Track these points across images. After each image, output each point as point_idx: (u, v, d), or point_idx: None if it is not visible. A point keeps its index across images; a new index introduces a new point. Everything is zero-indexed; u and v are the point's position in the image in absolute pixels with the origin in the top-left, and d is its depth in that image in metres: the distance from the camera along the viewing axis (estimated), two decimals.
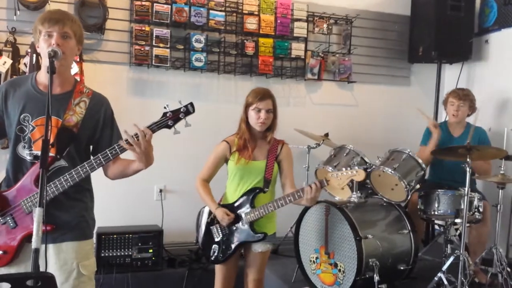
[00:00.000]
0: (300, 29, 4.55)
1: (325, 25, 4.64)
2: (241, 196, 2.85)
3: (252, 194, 2.82)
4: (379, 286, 3.07)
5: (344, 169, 2.69)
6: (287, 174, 2.92)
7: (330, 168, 3.52)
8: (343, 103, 4.91)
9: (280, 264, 3.91)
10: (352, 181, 2.65)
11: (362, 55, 4.88)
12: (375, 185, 3.57)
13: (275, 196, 2.89)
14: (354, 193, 3.44)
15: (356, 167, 2.65)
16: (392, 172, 3.38)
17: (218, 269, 2.94)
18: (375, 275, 3.06)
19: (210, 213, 2.94)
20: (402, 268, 3.32)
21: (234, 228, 2.85)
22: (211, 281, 2.98)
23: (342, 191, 3.74)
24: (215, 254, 2.89)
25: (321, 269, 3.35)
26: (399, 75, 5.10)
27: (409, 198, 3.50)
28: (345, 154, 3.63)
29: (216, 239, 2.89)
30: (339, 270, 3.23)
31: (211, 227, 2.92)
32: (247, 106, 2.86)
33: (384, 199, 3.55)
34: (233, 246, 2.84)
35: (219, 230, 2.89)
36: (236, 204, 2.85)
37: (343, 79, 4.79)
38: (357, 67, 4.84)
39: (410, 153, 3.50)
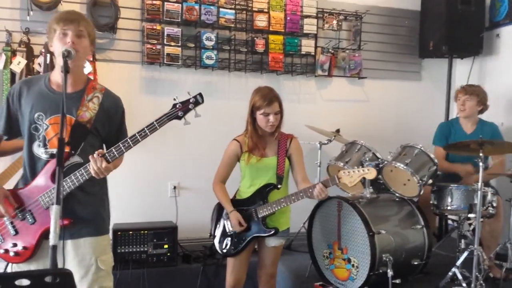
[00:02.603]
0: (310, 25, 4.55)
1: (335, 21, 4.64)
2: (255, 192, 2.87)
3: (266, 190, 2.85)
4: (392, 281, 3.07)
5: (356, 167, 2.72)
6: (299, 169, 2.94)
7: (342, 164, 3.52)
8: (354, 99, 4.90)
9: (293, 260, 3.92)
10: (364, 178, 2.67)
11: (372, 50, 4.87)
12: (387, 181, 3.57)
13: (288, 191, 2.91)
14: (366, 188, 3.45)
15: (369, 165, 2.68)
16: (404, 167, 3.37)
17: (230, 262, 2.98)
18: (388, 270, 3.07)
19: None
20: (415, 263, 3.33)
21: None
22: (226, 277, 3.01)
23: (354, 186, 3.74)
24: (227, 247, 2.92)
25: (334, 264, 3.36)
26: (409, 70, 5.08)
27: (421, 193, 3.49)
28: (356, 150, 3.62)
29: (229, 233, 2.93)
30: (353, 266, 3.24)
31: (224, 221, 2.96)
32: (254, 109, 2.85)
33: (397, 195, 3.55)
34: (245, 239, 2.88)
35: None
36: (249, 199, 2.88)
37: (354, 75, 4.78)
38: (367, 63, 4.83)
39: (422, 148, 3.49)
